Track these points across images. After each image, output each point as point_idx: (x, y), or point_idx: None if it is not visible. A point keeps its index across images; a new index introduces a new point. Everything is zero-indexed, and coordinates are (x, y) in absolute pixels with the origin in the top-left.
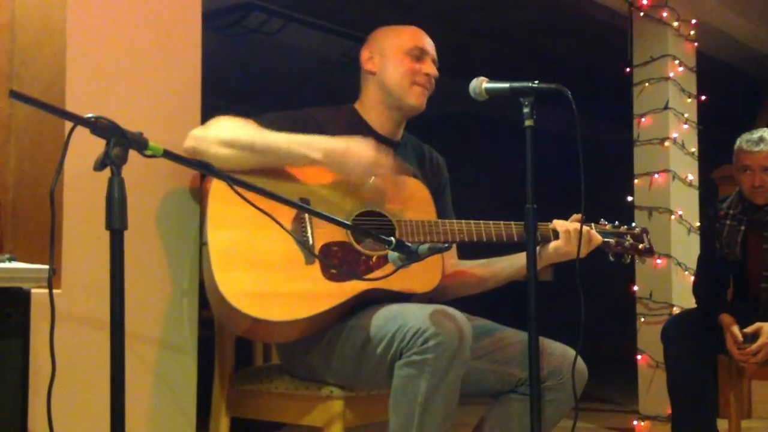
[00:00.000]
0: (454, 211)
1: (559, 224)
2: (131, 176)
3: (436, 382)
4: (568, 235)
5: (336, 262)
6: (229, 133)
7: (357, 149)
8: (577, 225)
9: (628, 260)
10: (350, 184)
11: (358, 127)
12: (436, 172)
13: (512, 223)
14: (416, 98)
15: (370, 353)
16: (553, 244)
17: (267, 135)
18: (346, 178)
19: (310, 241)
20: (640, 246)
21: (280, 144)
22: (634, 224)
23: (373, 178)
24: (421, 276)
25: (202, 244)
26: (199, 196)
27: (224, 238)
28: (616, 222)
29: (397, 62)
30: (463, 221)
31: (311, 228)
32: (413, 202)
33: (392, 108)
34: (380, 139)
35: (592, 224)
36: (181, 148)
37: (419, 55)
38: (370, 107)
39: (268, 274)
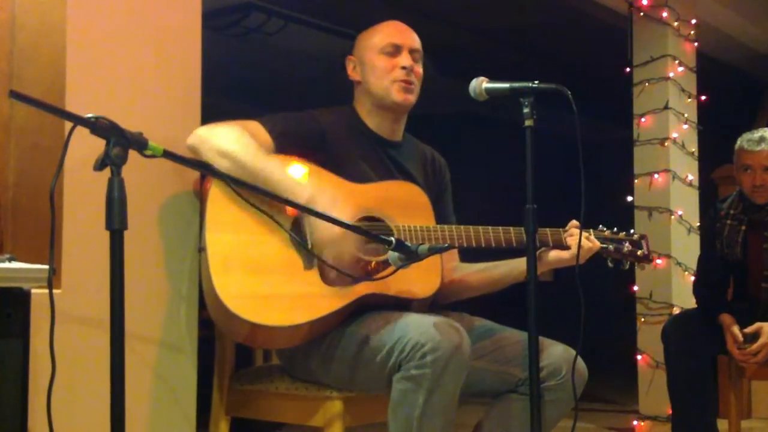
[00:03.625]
0: (454, 213)
1: (573, 241)
2: (131, 176)
3: (433, 396)
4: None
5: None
6: (229, 146)
7: (326, 225)
8: (587, 243)
9: (627, 267)
10: (348, 189)
11: (360, 130)
12: (438, 174)
13: (511, 228)
14: (398, 94)
15: (368, 360)
16: (555, 253)
17: (262, 161)
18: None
19: (310, 245)
20: (639, 252)
21: (269, 176)
22: (632, 231)
23: (322, 251)
24: (421, 281)
25: (200, 249)
26: (200, 197)
27: (223, 242)
28: (615, 228)
29: (373, 65)
30: (462, 226)
31: (310, 234)
32: (412, 207)
33: (382, 109)
34: (379, 140)
35: (591, 230)
36: (181, 148)
37: (393, 51)
38: (365, 114)
39: (266, 278)
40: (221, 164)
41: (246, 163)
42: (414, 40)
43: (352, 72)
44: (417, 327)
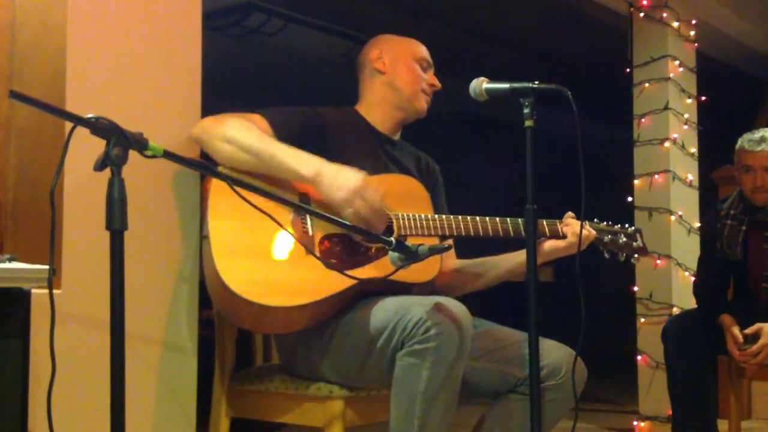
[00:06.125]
0: (452, 213)
1: (569, 230)
2: (131, 176)
3: (437, 370)
4: (575, 239)
5: (336, 252)
6: (233, 132)
7: (346, 176)
8: (584, 232)
9: (623, 258)
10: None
11: (360, 126)
12: (431, 176)
13: (508, 219)
14: (421, 103)
15: (372, 347)
16: (551, 243)
17: (267, 141)
18: (328, 201)
19: (310, 233)
20: (634, 244)
21: (276, 153)
22: (627, 225)
23: (351, 209)
24: (421, 266)
25: (203, 237)
26: (200, 194)
27: (226, 229)
28: (610, 222)
29: (409, 68)
30: (460, 216)
31: (311, 220)
32: (411, 199)
33: (397, 108)
34: (379, 137)
35: (587, 222)
36: (181, 148)
37: (426, 66)
38: (374, 106)
39: (269, 262)
40: (225, 150)
41: (251, 146)
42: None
43: (377, 61)
44: (418, 305)
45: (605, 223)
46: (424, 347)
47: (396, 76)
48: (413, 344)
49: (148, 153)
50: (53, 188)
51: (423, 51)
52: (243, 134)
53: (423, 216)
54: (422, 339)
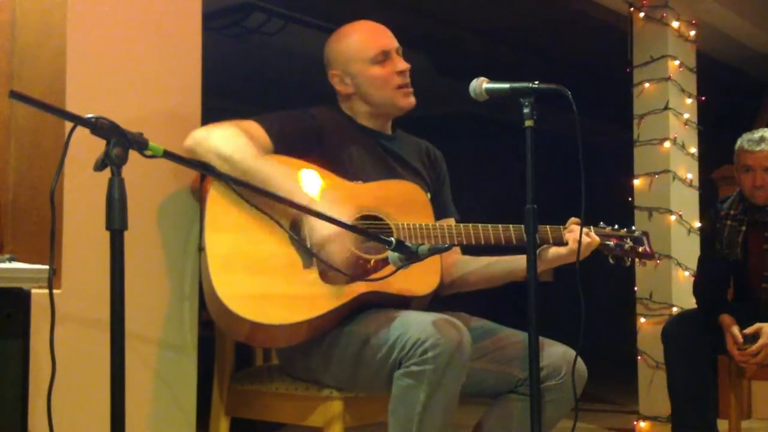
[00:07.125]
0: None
1: (571, 236)
2: (131, 176)
3: (434, 392)
4: (576, 245)
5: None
6: (227, 150)
7: (323, 224)
8: (586, 239)
9: (628, 263)
10: (347, 189)
11: (351, 125)
12: (435, 165)
13: (510, 225)
14: (404, 100)
15: (369, 359)
16: (554, 250)
17: (259, 165)
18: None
19: (308, 246)
20: (640, 249)
21: (267, 180)
22: (633, 228)
23: (320, 251)
24: (420, 278)
25: (200, 249)
26: (200, 196)
27: (222, 242)
28: (616, 225)
29: (369, 76)
30: (461, 224)
31: (308, 233)
32: (411, 205)
33: (379, 114)
34: (373, 134)
35: (591, 227)
36: (181, 148)
37: (383, 58)
38: (358, 113)
39: (266, 277)
40: (219, 167)
41: (244, 167)
42: (393, 38)
43: (341, 85)
44: (417, 324)
45: (611, 227)
46: (422, 369)
47: (366, 93)
48: (411, 365)
49: (148, 153)
50: (53, 188)
51: (372, 43)
52: (237, 153)
53: (423, 225)
54: (420, 361)
